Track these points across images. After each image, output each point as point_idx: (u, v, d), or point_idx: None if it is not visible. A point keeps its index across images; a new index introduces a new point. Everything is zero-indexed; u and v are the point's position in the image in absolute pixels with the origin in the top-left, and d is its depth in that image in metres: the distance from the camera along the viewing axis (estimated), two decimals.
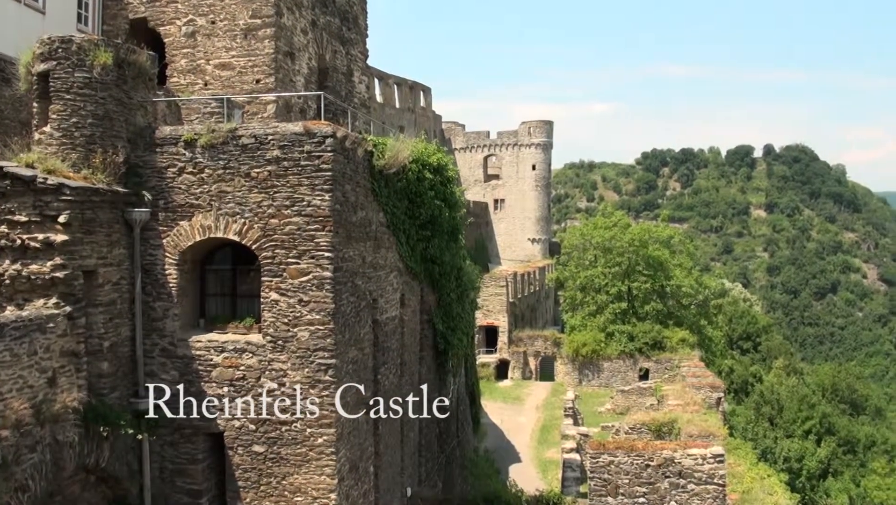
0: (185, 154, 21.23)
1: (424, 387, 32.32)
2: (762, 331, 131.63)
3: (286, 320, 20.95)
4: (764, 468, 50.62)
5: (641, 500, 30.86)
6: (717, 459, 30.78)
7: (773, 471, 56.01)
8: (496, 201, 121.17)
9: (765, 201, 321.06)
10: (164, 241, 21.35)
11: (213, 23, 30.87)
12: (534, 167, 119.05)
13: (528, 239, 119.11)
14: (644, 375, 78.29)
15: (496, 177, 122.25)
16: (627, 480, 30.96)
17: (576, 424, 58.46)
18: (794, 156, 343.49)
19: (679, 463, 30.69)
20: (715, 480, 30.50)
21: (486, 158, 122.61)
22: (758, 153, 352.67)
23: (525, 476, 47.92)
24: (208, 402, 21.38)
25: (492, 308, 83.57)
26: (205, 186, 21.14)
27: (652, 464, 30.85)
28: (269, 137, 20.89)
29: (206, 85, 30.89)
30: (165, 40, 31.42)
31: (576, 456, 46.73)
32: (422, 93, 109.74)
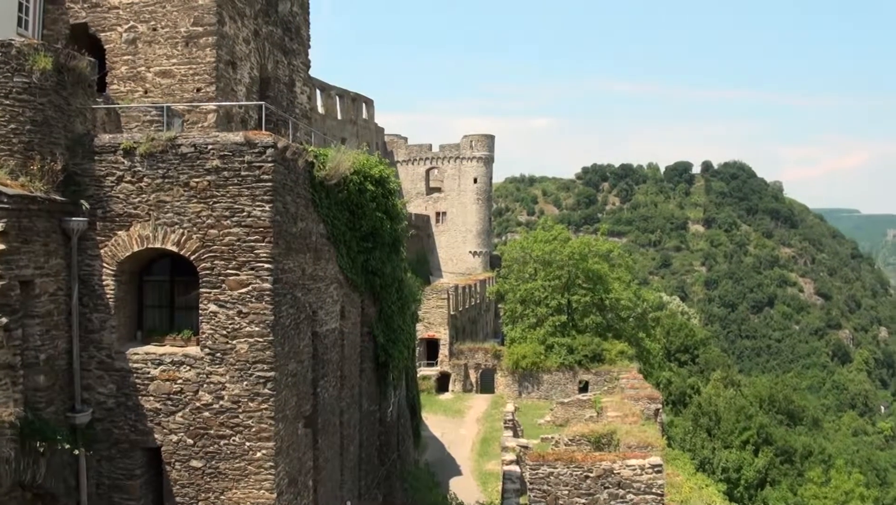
0: (123, 162, 20.95)
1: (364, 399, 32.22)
2: (700, 343, 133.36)
3: (225, 332, 20.74)
4: (702, 478, 51.24)
5: None
6: (656, 469, 31.06)
7: (711, 481, 56.72)
8: (438, 214, 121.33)
9: (703, 217, 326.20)
10: (102, 251, 21.02)
11: (154, 30, 30.47)
12: (475, 180, 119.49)
13: (470, 252, 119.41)
14: (583, 387, 78.82)
15: (438, 190, 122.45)
16: (567, 492, 31.10)
17: (516, 436, 58.55)
18: (731, 172, 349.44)
19: (618, 474, 30.91)
20: (653, 491, 30.78)
21: (428, 171, 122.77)
22: (696, 170, 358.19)
23: (465, 489, 47.95)
24: (146, 416, 21.08)
25: (433, 321, 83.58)
26: (143, 196, 20.88)
27: (591, 475, 31.03)
28: (209, 147, 20.70)
29: (146, 93, 30.47)
30: (106, 46, 30.90)
31: (516, 468, 46.74)
32: (364, 105, 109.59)
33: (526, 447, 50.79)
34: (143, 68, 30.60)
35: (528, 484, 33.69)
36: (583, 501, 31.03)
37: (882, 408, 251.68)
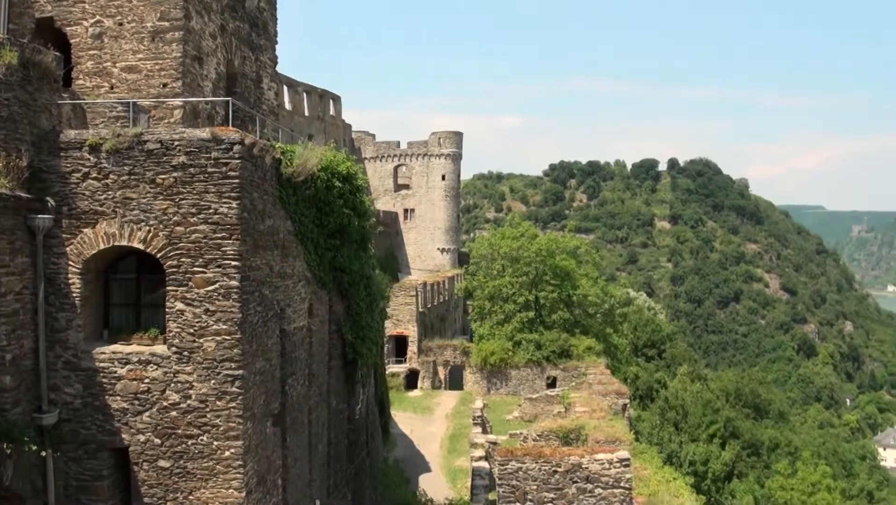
0: (89, 159, 20.73)
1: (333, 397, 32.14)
2: (666, 338, 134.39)
3: (192, 331, 20.58)
4: (670, 471, 51.58)
5: None
6: (623, 463, 31.26)
7: (678, 474, 57.13)
8: (406, 211, 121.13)
9: (669, 213, 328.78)
10: (68, 249, 20.79)
11: (120, 24, 30.14)
12: (443, 178, 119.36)
13: (438, 249, 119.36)
14: (551, 383, 79.11)
15: (406, 187, 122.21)
16: (535, 487, 31.21)
17: (484, 432, 58.70)
18: (697, 169, 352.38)
19: (586, 468, 31.07)
20: (621, 484, 30.98)
21: (396, 168, 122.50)
22: (662, 167, 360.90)
23: (435, 485, 47.98)
24: (113, 416, 20.89)
25: (401, 318, 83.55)
26: (109, 193, 20.66)
27: (559, 470, 31.16)
28: (176, 143, 20.53)
29: (112, 88, 30.15)
30: (72, 41, 30.54)
31: (484, 464, 46.90)
32: (331, 101, 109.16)
33: (495, 443, 50.93)
34: (108, 63, 30.28)
35: (496, 480, 33.82)
36: (551, 495, 31.15)
37: (848, 401, 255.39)
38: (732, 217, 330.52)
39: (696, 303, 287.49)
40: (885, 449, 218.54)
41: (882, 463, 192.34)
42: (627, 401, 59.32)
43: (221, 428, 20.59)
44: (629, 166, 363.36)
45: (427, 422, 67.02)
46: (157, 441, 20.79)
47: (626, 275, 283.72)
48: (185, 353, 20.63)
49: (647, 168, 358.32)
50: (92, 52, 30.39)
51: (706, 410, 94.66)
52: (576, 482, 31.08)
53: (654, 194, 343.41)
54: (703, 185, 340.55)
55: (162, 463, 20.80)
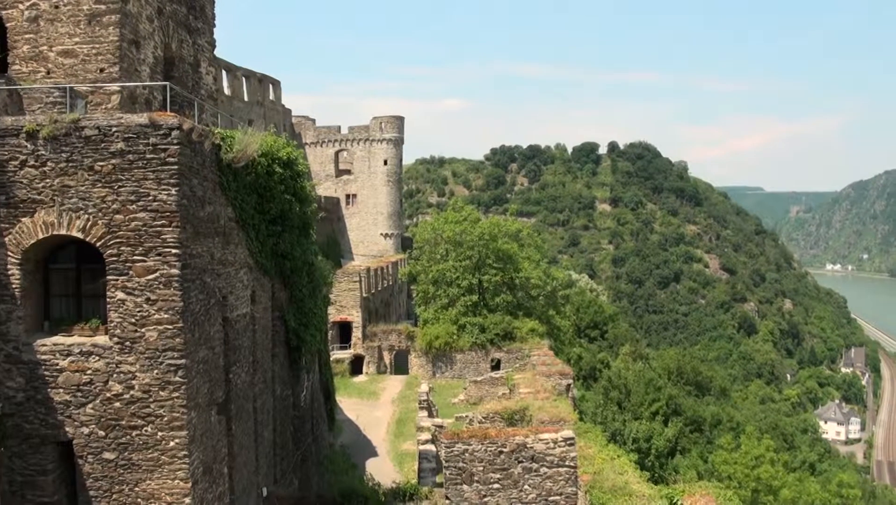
0: (26, 146, 20.38)
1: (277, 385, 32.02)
2: (608, 319, 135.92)
3: (133, 320, 20.37)
4: (614, 449, 52.07)
5: (496, 485, 31.35)
6: (568, 442, 31.56)
7: (622, 452, 57.77)
8: (348, 196, 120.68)
9: (609, 196, 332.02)
10: (7, 239, 20.46)
11: (56, 7, 29.51)
12: (385, 162, 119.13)
13: (381, 234, 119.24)
14: (496, 366, 79.49)
15: (348, 172, 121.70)
16: (482, 468, 31.39)
17: (430, 415, 58.83)
18: (637, 153, 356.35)
19: (531, 448, 31.31)
20: (566, 463, 31.28)
21: (337, 153, 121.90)
22: (603, 150, 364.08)
23: (382, 470, 48.00)
24: (56, 409, 20.59)
25: (345, 304, 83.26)
26: (47, 181, 20.35)
27: (505, 450, 31.36)
28: (114, 129, 20.25)
29: (48, 73, 29.56)
30: (7, 25, 29.82)
31: (431, 447, 47.02)
32: (271, 86, 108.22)
33: (441, 426, 51.08)
34: (45, 48, 29.65)
35: (443, 462, 33.92)
36: (498, 476, 31.35)
37: (788, 376, 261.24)
38: (672, 199, 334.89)
39: (637, 284, 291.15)
40: (825, 422, 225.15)
41: (823, 435, 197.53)
42: (571, 381, 59.81)
43: (165, 418, 20.44)
44: (570, 150, 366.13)
45: (373, 407, 67.04)
46: (101, 433, 20.58)
47: (568, 257, 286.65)
48: (127, 343, 20.41)
49: (587, 152, 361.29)
50: (28, 35, 29.75)
51: (648, 388, 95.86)
52: (521, 462, 31.32)
53: (595, 177, 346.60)
54: (643, 167, 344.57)
55: (107, 455, 20.60)
